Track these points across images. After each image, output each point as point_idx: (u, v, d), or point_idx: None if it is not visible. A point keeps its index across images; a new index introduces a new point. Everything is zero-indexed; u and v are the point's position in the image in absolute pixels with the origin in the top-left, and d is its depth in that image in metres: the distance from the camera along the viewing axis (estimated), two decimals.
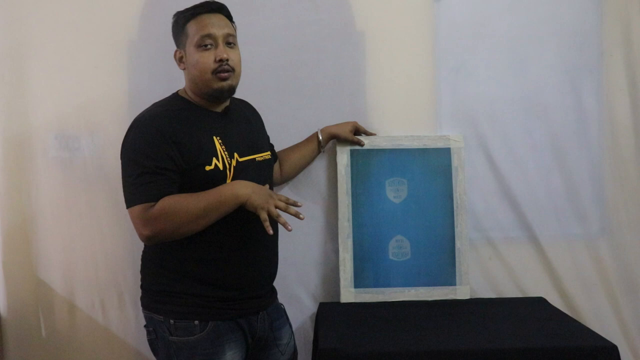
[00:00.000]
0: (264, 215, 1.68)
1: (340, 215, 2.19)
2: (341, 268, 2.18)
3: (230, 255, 1.80)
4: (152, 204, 1.69)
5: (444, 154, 2.22)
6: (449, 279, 2.19)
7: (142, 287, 1.89)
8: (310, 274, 2.26)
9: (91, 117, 2.25)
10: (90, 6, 2.23)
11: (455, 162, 2.21)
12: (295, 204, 1.74)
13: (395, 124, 2.25)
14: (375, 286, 2.18)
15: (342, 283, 2.18)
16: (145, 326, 1.87)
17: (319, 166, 2.26)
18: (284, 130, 2.19)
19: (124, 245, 2.27)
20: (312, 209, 2.25)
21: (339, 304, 2.19)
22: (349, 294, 2.18)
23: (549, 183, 2.28)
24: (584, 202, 2.28)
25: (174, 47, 2.15)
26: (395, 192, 2.21)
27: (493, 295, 2.27)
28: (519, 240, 2.28)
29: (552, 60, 2.27)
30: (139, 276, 2.19)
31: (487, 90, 2.27)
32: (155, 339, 1.84)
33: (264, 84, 2.21)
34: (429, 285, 2.18)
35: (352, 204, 2.19)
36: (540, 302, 2.21)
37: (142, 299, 1.88)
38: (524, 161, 2.27)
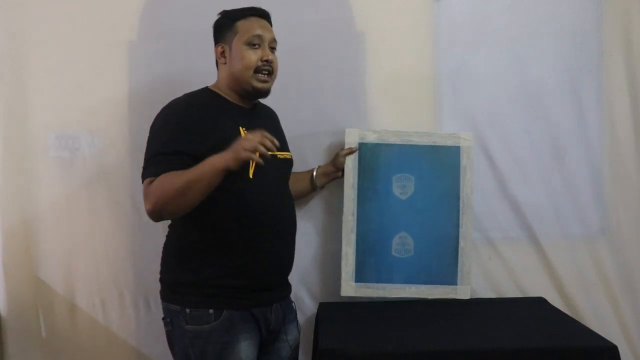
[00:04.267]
0: (254, 157, 1.67)
1: (345, 209, 2.17)
2: (343, 261, 2.16)
3: (244, 245, 1.83)
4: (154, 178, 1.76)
5: (453, 152, 2.19)
6: (451, 279, 2.17)
7: (160, 280, 1.92)
8: (310, 274, 2.26)
9: (91, 117, 2.25)
10: (90, 6, 2.23)
11: (464, 161, 2.19)
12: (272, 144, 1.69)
13: (395, 124, 2.24)
14: (376, 281, 2.17)
15: (343, 276, 2.16)
16: (162, 318, 1.89)
17: None
18: (284, 129, 2.18)
19: (124, 245, 2.27)
20: (312, 209, 2.26)
21: (339, 304, 2.19)
22: (349, 287, 2.16)
23: (549, 183, 2.28)
24: (584, 202, 2.28)
25: (174, 47, 2.16)
26: (401, 188, 2.19)
27: (493, 295, 2.27)
28: (519, 240, 2.28)
29: (552, 60, 2.27)
30: (139, 275, 2.20)
31: (487, 90, 2.27)
32: (171, 330, 1.87)
33: None
34: (430, 284, 2.17)
35: (358, 198, 2.17)
36: (540, 302, 2.21)
37: (161, 292, 1.92)
38: (524, 161, 2.27)
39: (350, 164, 2.17)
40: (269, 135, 1.69)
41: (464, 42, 2.26)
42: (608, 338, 1.81)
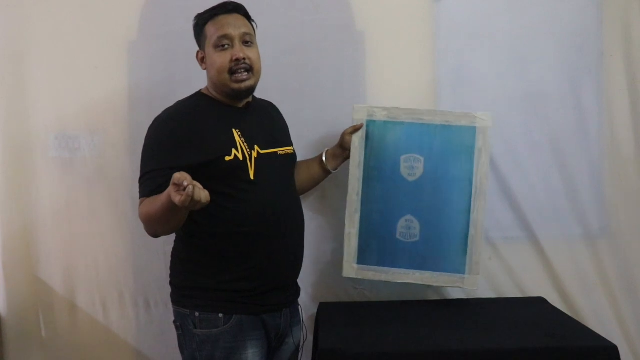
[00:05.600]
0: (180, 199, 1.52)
1: (350, 189, 2.09)
2: (345, 242, 2.10)
3: (254, 246, 1.82)
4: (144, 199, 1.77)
5: (468, 132, 2.06)
6: (458, 267, 2.06)
7: (170, 283, 1.92)
8: (310, 274, 2.26)
9: (91, 117, 2.25)
10: (90, 6, 2.24)
11: (479, 142, 2.05)
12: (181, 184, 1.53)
13: None
14: (379, 265, 2.09)
15: (345, 258, 2.10)
16: (173, 322, 1.89)
17: None
18: None
19: (124, 245, 2.27)
20: (312, 209, 2.25)
21: (339, 304, 2.19)
22: (351, 269, 2.10)
23: (549, 183, 2.28)
24: (584, 202, 2.28)
25: (174, 47, 2.15)
26: (409, 169, 2.09)
27: (493, 295, 2.27)
28: (519, 240, 2.28)
29: (552, 60, 2.26)
30: (139, 275, 2.19)
31: (487, 90, 2.26)
32: (182, 335, 1.86)
33: (264, 84, 2.18)
34: (435, 271, 2.07)
35: (364, 178, 2.09)
36: (540, 302, 2.21)
37: (171, 295, 1.91)
38: (524, 161, 2.27)
39: (357, 143, 2.08)
40: (194, 187, 1.52)
41: (464, 42, 2.26)
42: (608, 338, 1.81)
